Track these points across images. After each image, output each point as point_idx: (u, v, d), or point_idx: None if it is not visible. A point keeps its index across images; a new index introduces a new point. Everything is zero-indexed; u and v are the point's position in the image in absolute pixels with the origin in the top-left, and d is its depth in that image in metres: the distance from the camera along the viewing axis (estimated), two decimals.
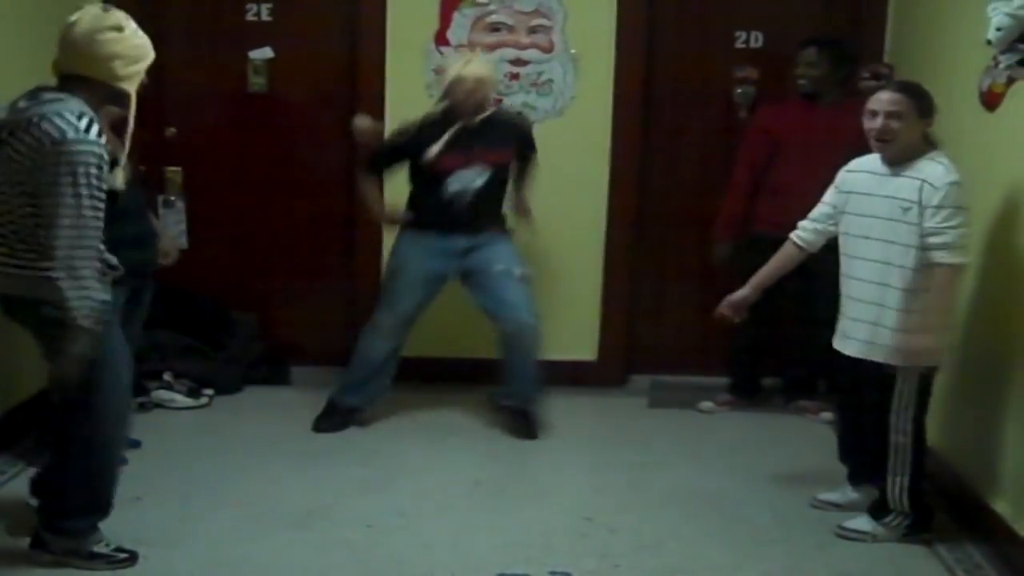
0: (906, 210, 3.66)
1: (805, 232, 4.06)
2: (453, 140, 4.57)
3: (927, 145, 3.71)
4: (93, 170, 3.12)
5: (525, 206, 4.86)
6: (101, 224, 3.20)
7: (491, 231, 4.75)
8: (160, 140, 5.55)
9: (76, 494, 3.49)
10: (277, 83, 5.55)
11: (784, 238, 4.94)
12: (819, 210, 4.03)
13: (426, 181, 4.66)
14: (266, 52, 5.51)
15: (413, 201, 4.77)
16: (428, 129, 4.62)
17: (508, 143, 4.73)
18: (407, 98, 5.35)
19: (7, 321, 3.42)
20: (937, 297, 3.65)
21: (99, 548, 3.54)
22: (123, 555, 3.56)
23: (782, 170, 5.03)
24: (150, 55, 3.37)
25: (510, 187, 4.83)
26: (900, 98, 3.68)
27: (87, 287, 3.15)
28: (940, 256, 3.60)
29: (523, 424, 4.86)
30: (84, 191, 3.11)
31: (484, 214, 4.71)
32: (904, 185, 3.69)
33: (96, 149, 3.13)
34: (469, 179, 4.61)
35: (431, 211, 4.68)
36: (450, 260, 4.73)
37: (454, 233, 4.69)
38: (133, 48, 3.29)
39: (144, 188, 4.19)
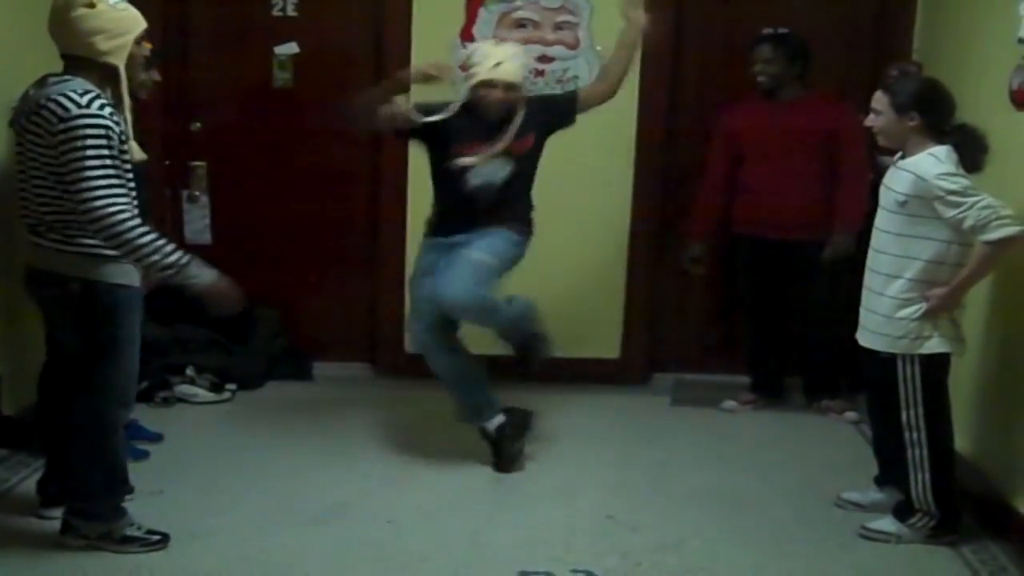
0: (901, 203, 3.65)
1: None
2: (475, 131, 4.28)
3: (925, 139, 3.65)
4: (102, 141, 3.17)
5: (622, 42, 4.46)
6: (130, 193, 3.27)
7: (497, 226, 4.36)
8: (185, 134, 5.57)
9: (92, 475, 3.53)
10: (302, 78, 5.55)
11: (760, 237, 4.99)
12: None
13: (447, 174, 4.32)
14: (291, 47, 5.51)
15: (437, 202, 4.47)
16: (452, 122, 4.28)
17: (530, 128, 4.32)
18: (432, 94, 5.33)
19: (22, 315, 3.45)
20: (971, 268, 3.59)
21: (131, 531, 3.58)
22: (156, 537, 3.61)
23: (748, 169, 5.06)
24: (137, 26, 3.35)
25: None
26: (879, 95, 3.74)
27: (141, 246, 3.22)
28: (981, 238, 3.54)
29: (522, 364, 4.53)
30: (92, 162, 3.16)
31: (506, 211, 4.37)
32: (900, 178, 3.68)
33: (100, 121, 3.18)
34: (492, 172, 4.30)
35: (452, 208, 4.39)
36: (443, 250, 4.36)
37: (461, 232, 4.34)
38: (112, 21, 3.28)
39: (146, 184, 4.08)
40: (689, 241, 5.29)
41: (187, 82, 5.51)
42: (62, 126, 3.16)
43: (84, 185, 3.17)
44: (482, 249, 4.29)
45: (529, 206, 4.49)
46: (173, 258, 3.27)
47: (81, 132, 3.15)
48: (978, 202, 3.50)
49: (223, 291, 3.42)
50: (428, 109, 4.33)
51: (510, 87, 4.25)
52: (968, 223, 3.51)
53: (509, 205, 4.40)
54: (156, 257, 3.24)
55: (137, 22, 3.36)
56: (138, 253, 3.23)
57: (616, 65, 4.51)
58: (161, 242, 3.26)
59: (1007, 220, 3.50)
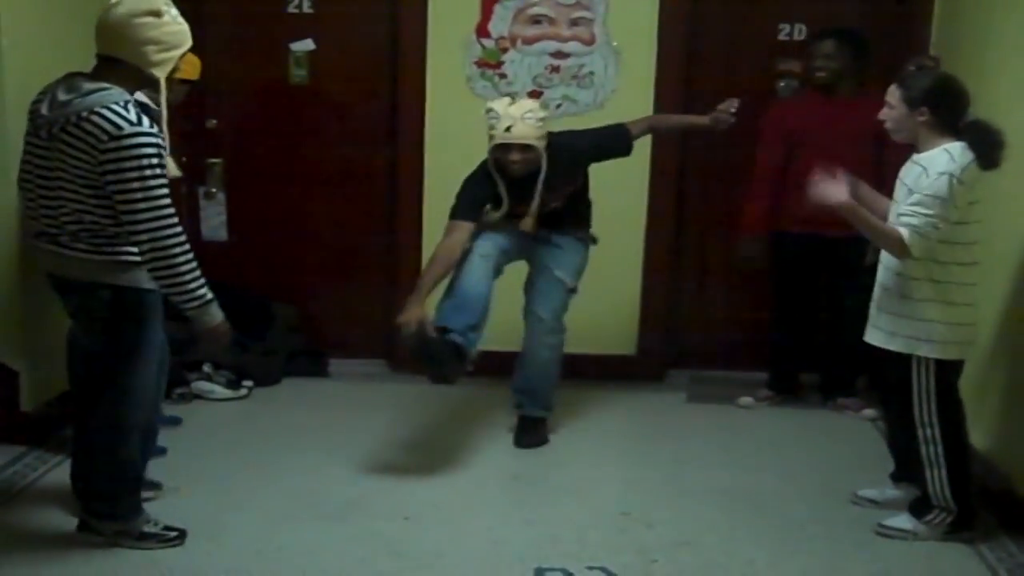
0: (908, 196, 3.64)
1: None
2: (514, 196, 4.36)
3: (936, 135, 3.64)
4: (155, 160, 3.17)
5: (693, 121, 4.74)
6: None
7: (569, 234, 4.59)
8: (201, 132, 5.59)
9: (107, 475, 3.55)
10: (318, 75, 5.56)
11: (811, 234, 4.93)
12: None
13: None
14: (307, 44, 5.52)
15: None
16: (487, 190, 4.36)
17: (570, 178, 4.49)
18: (448, 90, 5.36)
19: (41, 312, 3.46)
20: (876, 221, 3.65)
21: (149, 528, 3.61)
22: (173, 533, 3.63)
23: (803, 166, 4.98)
24: (186, 43, 3.36)
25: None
26: (892, 88, 3.73)
27: (181, 272, 3.24)
28: (901, 228, 3.55)
29: (525, 432, 4.70)
30: (152, 181, 3.16)
31: (561, 219, 4.54)
32: (911, 171, 3.68)
33: (152, 139, 3.17)
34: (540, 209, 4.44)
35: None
36: (521, 239, 4.47)
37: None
38: (169, 35, 3.28)
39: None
40: (745, 236, 5.18)
41: (203, 79, 5.48)
42: (113, 144, 3.12)
43: (147, 204, 3.16)
44: (565, 270, 4.55)
45: (588, 211, 4.68)
46: (202, 291, 3.30)
47: (137, 151, 3.13)
48: (929, 213, 3.50)
49: (224, 333, 3.46)
50: (479, 199, 4.38)
51: (525, 148, 4.26)
52: (906, 219, 3.53)
53: (565, 218, 4.56)
54: (192, 286, 3.27)
55: (187, 38, 3.37)
56: (176, 279, 3.24)
57: (666, 129, 4.93)
58: (199, 272, 3.29)
59: (919, 235, 3.51)
